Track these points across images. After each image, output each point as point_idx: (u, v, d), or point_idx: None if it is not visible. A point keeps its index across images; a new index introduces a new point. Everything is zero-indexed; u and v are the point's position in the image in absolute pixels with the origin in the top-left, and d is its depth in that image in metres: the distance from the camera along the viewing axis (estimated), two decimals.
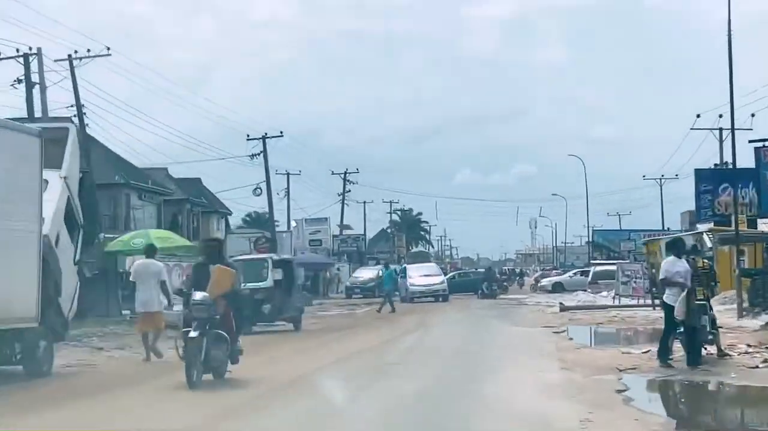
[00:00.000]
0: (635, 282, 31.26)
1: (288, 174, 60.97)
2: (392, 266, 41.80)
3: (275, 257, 27.47)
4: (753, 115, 35.42)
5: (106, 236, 32.59)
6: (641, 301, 30.95)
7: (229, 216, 60.81)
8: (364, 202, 79.78)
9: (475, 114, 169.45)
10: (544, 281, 58.88)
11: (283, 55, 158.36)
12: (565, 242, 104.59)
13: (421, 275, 46.16)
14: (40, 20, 75.65)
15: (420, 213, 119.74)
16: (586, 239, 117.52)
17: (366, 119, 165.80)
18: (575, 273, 56.60)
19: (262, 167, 50.56)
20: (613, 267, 42.48)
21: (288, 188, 61.18)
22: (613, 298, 33.82)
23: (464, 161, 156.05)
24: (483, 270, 58.07)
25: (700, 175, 38.39)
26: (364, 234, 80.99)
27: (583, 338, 20.77)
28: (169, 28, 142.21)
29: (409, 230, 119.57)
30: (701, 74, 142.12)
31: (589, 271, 54.07)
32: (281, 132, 50.40)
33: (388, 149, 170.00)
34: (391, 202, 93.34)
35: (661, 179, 65.17)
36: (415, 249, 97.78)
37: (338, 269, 63.84)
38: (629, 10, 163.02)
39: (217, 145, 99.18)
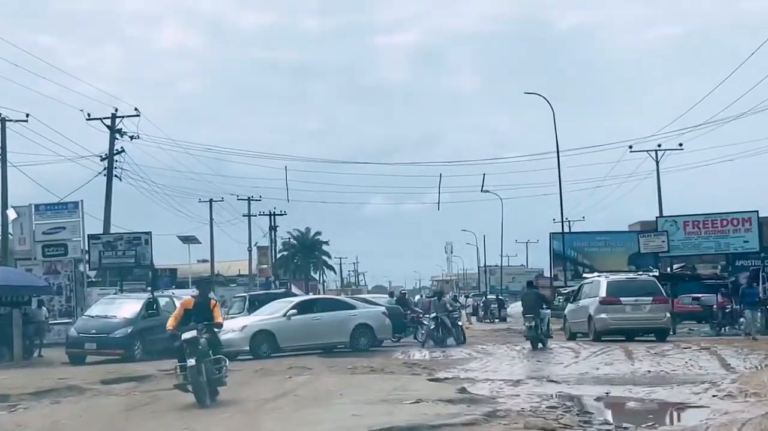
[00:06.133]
0: None
1: (3, 120, 32.81)
2: None
3: None
4: None
5: None
6: None
7: None
8: (211, 199, 56.57)
9: (388, 142, 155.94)
10: (232, 331, 22.31)
11: (192, 84, 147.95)
12: (501, 260, 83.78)
13: None
14: None
15: (318, 233, 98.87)
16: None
17: (277, 147, 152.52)
18: (295, 308, 24.48)
19: None
20: None
21: (3, 140, 32.99)
22: None
23: (376, 189, 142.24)
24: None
25: None
26: (213, 245, 58.64)
27: None
28: (74, 58, 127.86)
29: (306, 251, 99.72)
30: (612, 99, 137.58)
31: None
32: None
33: (299, 177, 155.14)
34: (271, 214, 70.95)
35: (657, 150, 46.02)
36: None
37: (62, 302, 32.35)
38: (539, 35, 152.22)
39: None
